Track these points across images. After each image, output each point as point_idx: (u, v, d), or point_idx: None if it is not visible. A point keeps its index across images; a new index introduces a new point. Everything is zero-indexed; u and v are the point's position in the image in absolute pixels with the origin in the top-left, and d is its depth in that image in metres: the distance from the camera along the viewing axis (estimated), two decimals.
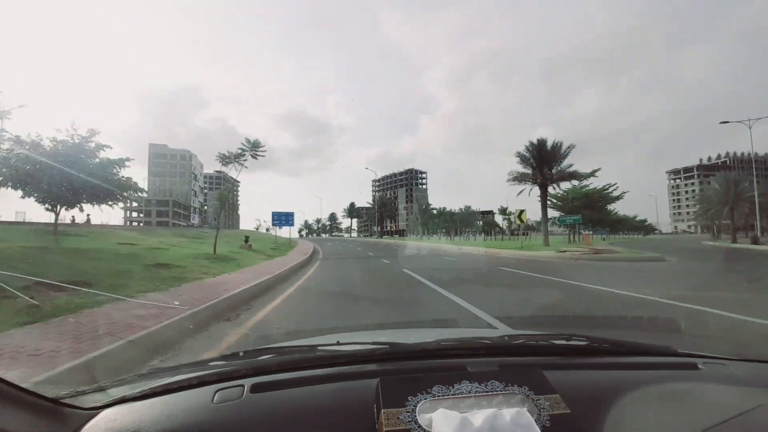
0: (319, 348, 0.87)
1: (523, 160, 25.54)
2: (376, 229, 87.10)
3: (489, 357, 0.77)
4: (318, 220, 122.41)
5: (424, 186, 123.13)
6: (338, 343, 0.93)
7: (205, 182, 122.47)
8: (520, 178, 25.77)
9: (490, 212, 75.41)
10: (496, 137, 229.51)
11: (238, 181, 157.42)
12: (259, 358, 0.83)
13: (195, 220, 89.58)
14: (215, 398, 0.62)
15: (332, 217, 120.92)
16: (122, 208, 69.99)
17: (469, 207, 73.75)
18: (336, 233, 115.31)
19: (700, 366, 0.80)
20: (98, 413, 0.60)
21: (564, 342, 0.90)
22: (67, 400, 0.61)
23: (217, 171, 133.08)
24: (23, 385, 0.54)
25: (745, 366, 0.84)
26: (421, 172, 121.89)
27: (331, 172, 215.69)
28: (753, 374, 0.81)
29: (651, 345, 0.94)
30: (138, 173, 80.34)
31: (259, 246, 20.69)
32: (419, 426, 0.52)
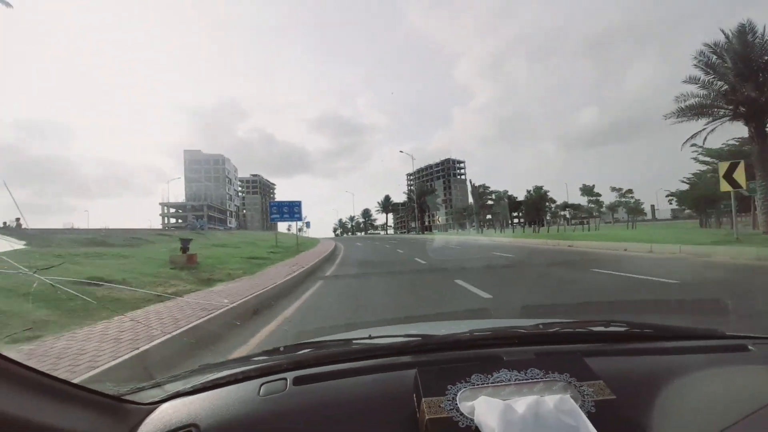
0: (354, 341, 0.90)
1: (713, 69, 13.03)
2: (415, 225, 76.00)
3: (524, 346, 0.77)
4: (351, 218, 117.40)
5: (462, 177, 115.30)
6: (370, 337, 0.93)
7: (242, 186, 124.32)
8: (701, 108, 13.19)
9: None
10: (534, 124, 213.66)
11: (274, 184, 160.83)
12: (299, 352, 0.86)
13: (232, 223, 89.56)
14: (261, 391, 0.66)
15: (366, 213, 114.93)
16: (160, 214, 70.44)
17: (541, 188, 60.03)
18: (371, 231, 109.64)
19: (750, 347, 0.77)
20: (156, 408, 0.65)
21: (603, 328, 0.89)
22: (127, 397, 0.65)
23: (252, 175, 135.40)
24: (87, 385, 0.57)
25: None
26: (459, 162, 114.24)
27: (365, 171, 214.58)
28: None
29: (696, 328, 0.91)
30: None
31: (236, 252, 13.66)
32: (461, 413, 0.52)
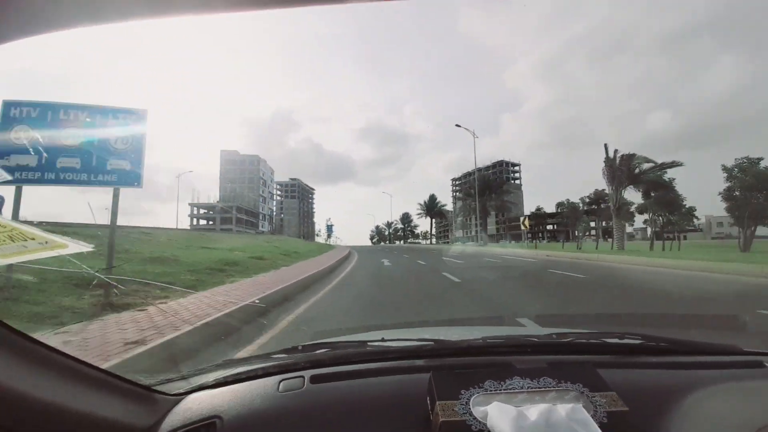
0: (369, 344, 0.91)
1: None
2: (475, 231, 59.80)
3: (537, 355, 0.78)
4: (389, 224, 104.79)
5: (517, 181, 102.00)
6: (383, 340, 0.95)
7: (279, 189, 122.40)
8: None
9: None
10: (594, 128, 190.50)
11: (313, 189, 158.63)
12: (316, 351, 0.88)
13: (264, 227, 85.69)
14: (280, 387, 0.67)
15: (405, 218, 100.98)
16: (189, 216, 67.59)
17: (574, 203, 50.03)
18: (411, 240, 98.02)
19: (765, 363, 0.77)
20: (183, 399, 0.68)
21: (617, 340, 0.88)
22: (157, 387, 0.67)
23: (291, 179, 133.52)
24: (121, 374, 0.59)
25: None
26: (513, 165, 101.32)
27: (407, 181, 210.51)
28: None
29: (712, 343, 0.89)
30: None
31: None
32: (474, 418, 0.53)
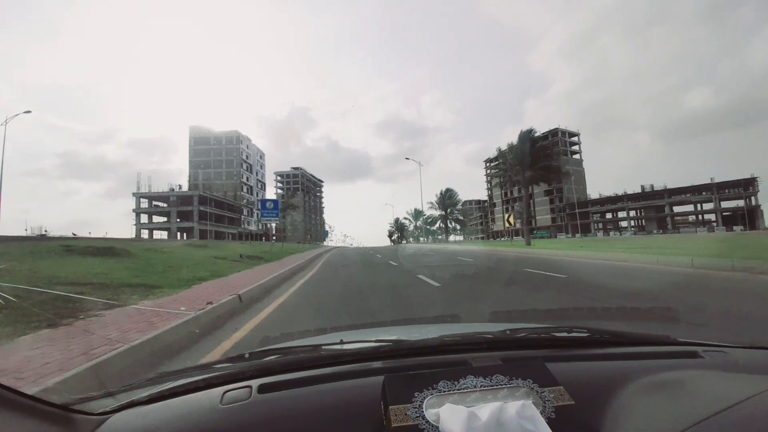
0: (323, 347, 0.89)
1: None
2: (521, 222, 38.95)
3: (492, 351, 0.80)
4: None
5: (576, 156, 78.31)
6: (341, 342, 0.94)
7: (281, 182, 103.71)
8: None
9: None
10: (627, 110, 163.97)
11: (321, 181, 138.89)
12: (265, 359, 0.84)
13: (251, 224, 65.91)
14: (223, 399, 0.63)
15: (417, 215, 75.92)
16: (134, 210, 48.30)
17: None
18: (440, 238, 75.48)
19: (700, 354, 0.81)
20: (107, 418, 0.61)
21: (565, 334, 0.92)
22: (75, 406, 0.61)
23: (294, 168, 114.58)
24: (29, 392, 0.54)
25: (745, 353, 0.84)
26: (571, 134, 77.64)
27: (427, 175, 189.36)
28: (754, 361, 0.81)
29: (651, 334, 0.95)
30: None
31: None
32: (427, 421, 0.52)
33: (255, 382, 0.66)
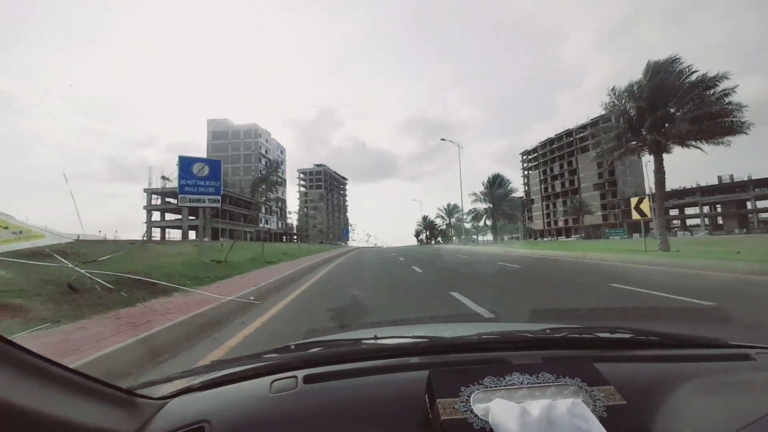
0: (363, 341, 0.91)
1: None
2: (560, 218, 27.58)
3: (533, 350, 0.80)
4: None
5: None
6: (376, 338, 0.95)
7: (303, 179, 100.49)
8: None
9: None
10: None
11: (345, 179, 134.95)
12: (309, 351, 0.86)
13: (271, 223, 62.27)
14: (272, 388, 0.65)
15: (449, 211, 64.41)
16: (144, 207, 45.56)
17: None
18: (468, 237, 62.90)
19: (752, 356, 0.79)
20: (167, 402, 0.64)
21: (609, 334, 0.91)
22: (139, 390, 0.65)
23: (317, 165, 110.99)
24: (99, 377, 0.56)
25: None
26: None
27: (453, 173, 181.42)
28: None
29: (700, 336, 0.93)
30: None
31: None
32: (476, 415, 0.52)
33: (300, 373, 0.68)
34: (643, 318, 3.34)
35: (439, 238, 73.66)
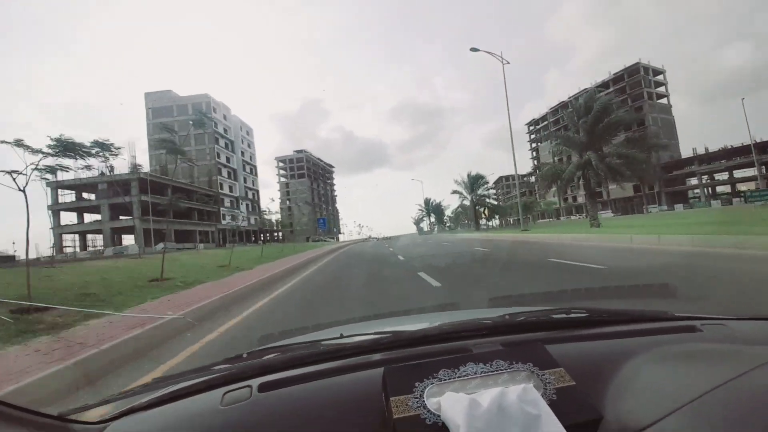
0: (322, 342, 0.90)
1: None
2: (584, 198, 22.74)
3: (492, 336, 0.80)
4: (427, 207, 55.07)
5: (663, 100, 57.84)
6: (341, 336, 0.94)
7: (285, 167, 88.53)
8: None
9: None
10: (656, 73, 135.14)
11: (332, 166, 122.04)
12: (264, 357, 0.85)
13: (239, 219, 50.41)
14: (224, 400, 0.62)
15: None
16: (49, 207, 33.32)
17: None
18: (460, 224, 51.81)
19: (698, 327, 0.81)
20: (107, 426, 0.60)
21: (564, 315, 0.93)
22: (72, 416, 0.61)
23: (296, 151, 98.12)
24: (23, 405, 0.52)
25: (744, 325, 0.84)
26: (655, 72, 57.10)
27: (444, 159, 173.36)
28: (753, 333, 0.81)
29: (649, 311, 0.96)
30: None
31: None
32: (428, 410, 0.52)
33: (255, 382, 0.66)
34: (605, 297, 3.41)
35: (449, 225, 61.38)
